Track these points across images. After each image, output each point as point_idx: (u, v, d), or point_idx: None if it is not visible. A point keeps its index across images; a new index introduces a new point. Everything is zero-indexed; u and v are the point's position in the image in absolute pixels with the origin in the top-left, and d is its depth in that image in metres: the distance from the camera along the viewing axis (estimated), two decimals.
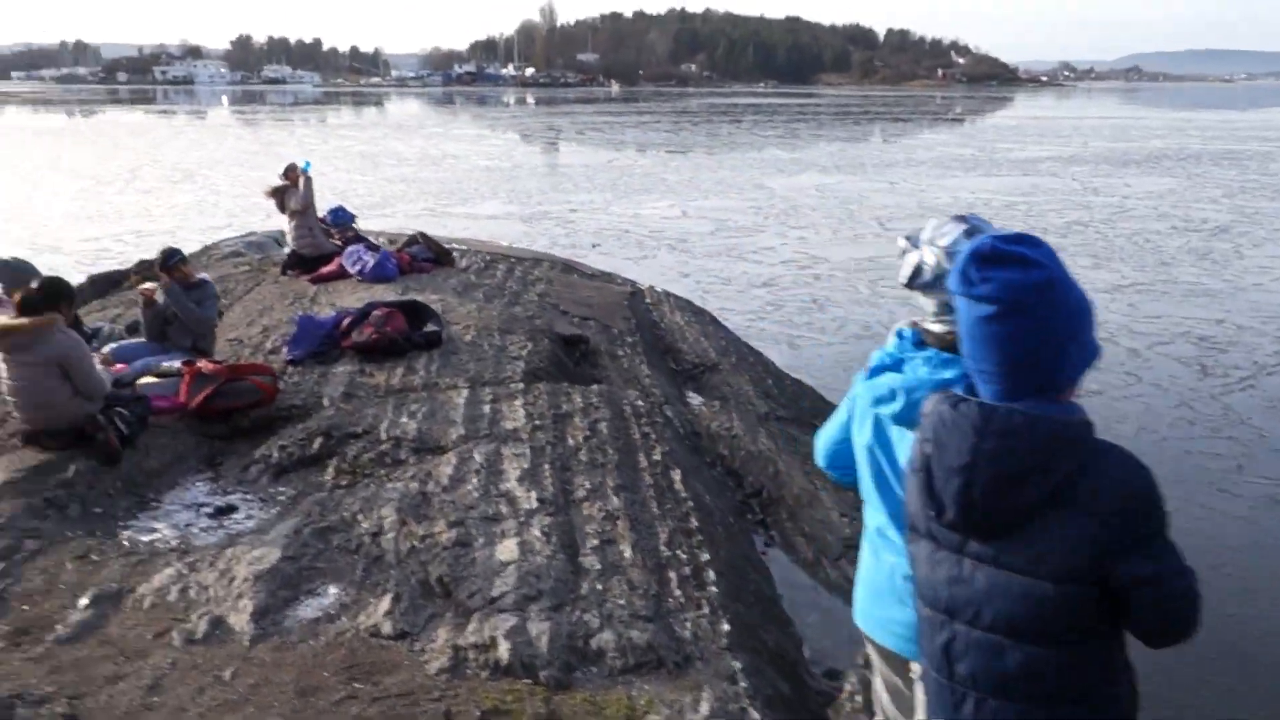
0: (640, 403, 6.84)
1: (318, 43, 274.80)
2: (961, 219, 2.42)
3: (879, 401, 2.45)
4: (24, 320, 5.52)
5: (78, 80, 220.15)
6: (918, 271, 2.42)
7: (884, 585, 2.54)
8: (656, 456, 5.89)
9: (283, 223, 12.14)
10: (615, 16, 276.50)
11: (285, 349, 7.40)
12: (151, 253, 19.21)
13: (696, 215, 24.68)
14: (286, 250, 13.51)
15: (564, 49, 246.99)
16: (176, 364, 6.75)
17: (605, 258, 18.44)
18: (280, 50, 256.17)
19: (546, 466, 5.53)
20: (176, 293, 7.03)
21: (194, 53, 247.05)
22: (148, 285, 7.07)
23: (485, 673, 3.83)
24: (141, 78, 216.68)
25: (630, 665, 3.91)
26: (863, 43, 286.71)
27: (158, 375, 6.64)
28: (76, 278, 16.96)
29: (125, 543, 4.98)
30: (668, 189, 29.74)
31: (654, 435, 6.23)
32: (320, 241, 10.49)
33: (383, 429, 6.00)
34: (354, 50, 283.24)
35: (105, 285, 13.86)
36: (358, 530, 4.90)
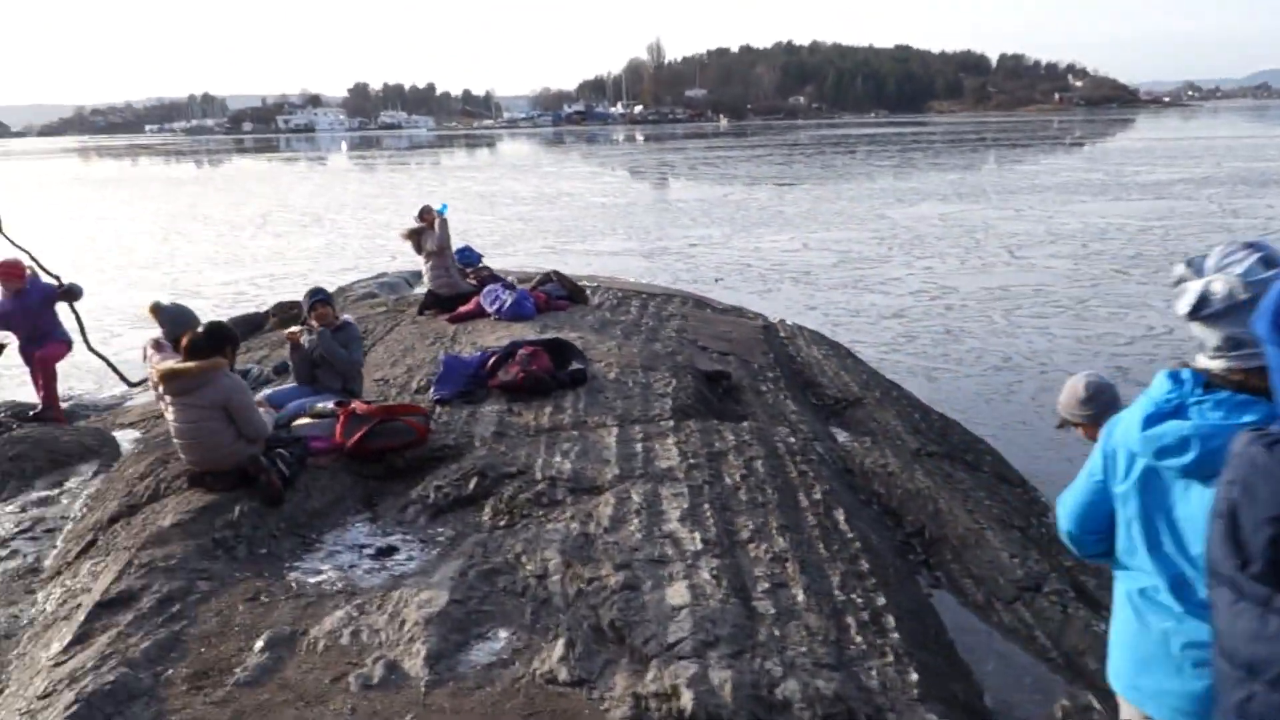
0: (792, 439, 6.67)
1: (431, 87, 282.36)
2: (1251, 245, 2.20)
3: (1164, 453, 2.23)
4: (191, 364, 5.62)
5: (205, 131, 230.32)
6: (1203, 301, 2.21)
7: (1155, 653, 2.32)
8: (817, 495, 5.70)
9: (415, 263, 12.36)
10: (722, 52, 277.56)
11: (432, 389, 7.42)
12: (286, 295, 19.89)
13: (818, 247, 24.41)
14: (422, 290, 13.77)
15: (671, 86, 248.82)
16: (329, 405, 6.81)
17: (729, 292, 18.31)
18: (395, 96, 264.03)
19: (706, 506, 5.39)
20: (326, 337, 7.13)
21: (314, 101, 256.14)
22: (293, 329, 7.17)
23: None
24: (265, 127, 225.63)
25: (819, 716, 3.72)
26: (975, 69, 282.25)
27: (312, 417, 6.71)
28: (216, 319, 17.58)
29: (293, 584, 4.99)
30: (786, 222, 29.54)
31: (811, 473, 6.05)
32: (456, 281, 10.60)
33: (537, 468, 5.94)
34: (466, 94, 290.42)
35: (246, 328, 14.25)
36: (523, 572, 4.82)
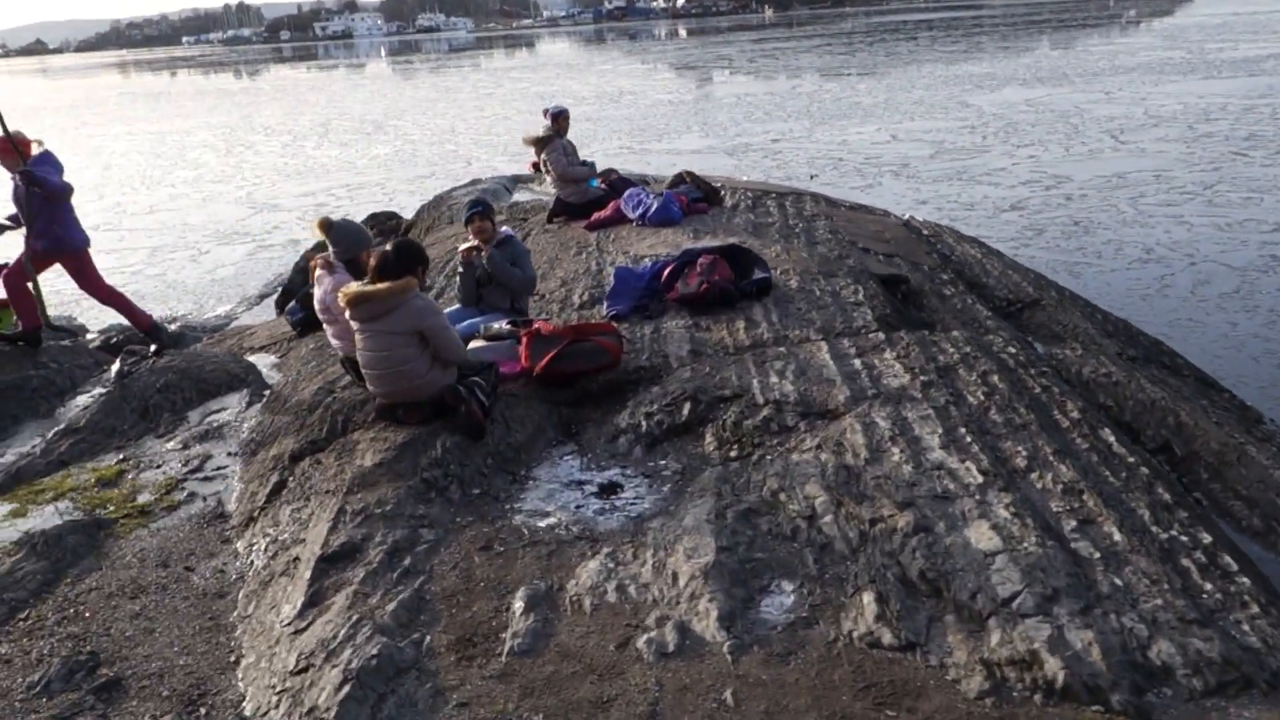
0: (1012, 350, 6.03)
1: None
2: None
3: None
4: (382, 285, 5.06)
5: (243, 41, 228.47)
6: None
7: None
8: (1074, 414, 5.08)
9: (492, 169, 11.67)
10: None
11: (605, 304, 6.83)
12: (367, 204, 19.32)
13: (908, 138, 23.36)
14: (526, 197, 13.13)
15: None
16: (503, 325, 6.27)
17: (829, 188, 17.48)
18: None
19: (963, 430, 4.79)
20: (496, 257, 6.55)
21: (350, 6, 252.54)
22: (469, 245, 6.58)
23: (1038, 696, 3.16)
24: (302, 35, 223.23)
25: (1212, 686, 3.17)
26: None
27: (487, 339, 6.17)
28: (305, 234, 17.02)
29: (523, 529, 4.49)
30: (866, 113, 28.38)
31: (1055, 389, 5.42)
32: (586, 188, 9.93)
33: (756, 391, 5.36)
34: None
35: None
36: (787, 512, 4.28)
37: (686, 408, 5.36)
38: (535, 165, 17.46)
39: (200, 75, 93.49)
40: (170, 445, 6.13)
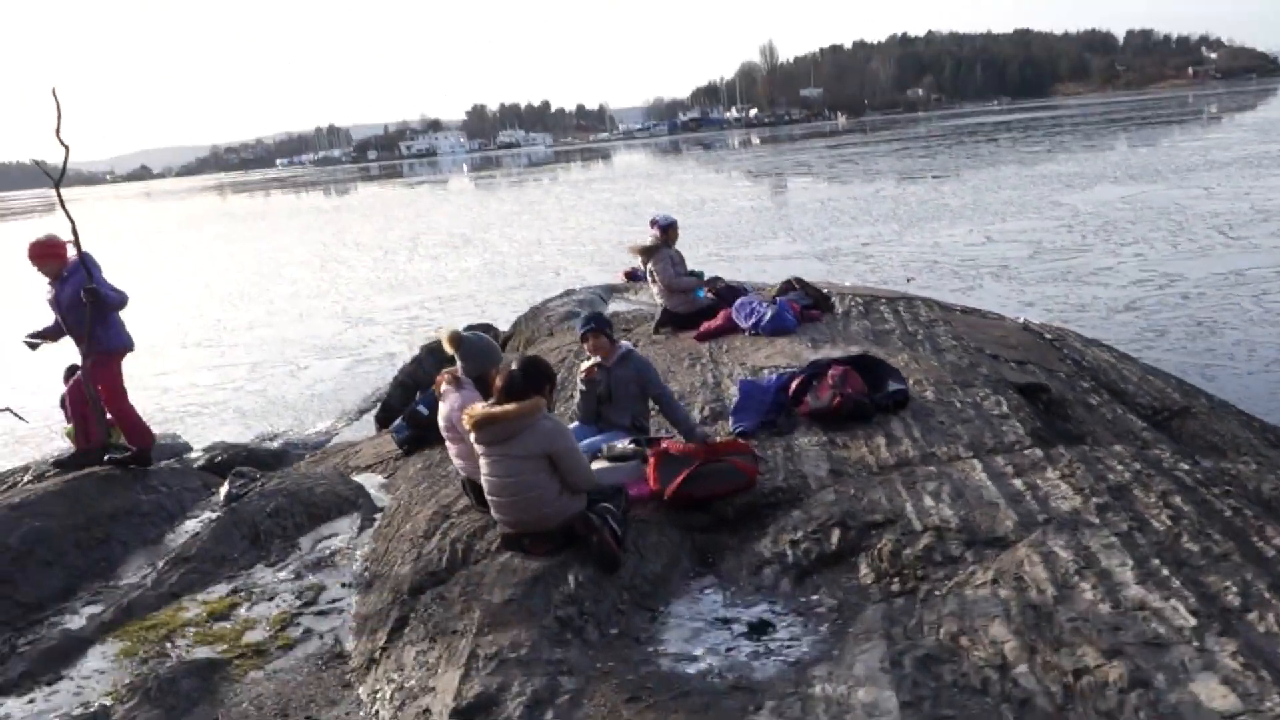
0: (1186, 466, 5.50)
1: (546, 104, 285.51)
2: None
3: None
4: (509, 406, 4.76)
5: (333, 162, 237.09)
6: None
7: None
8: (1278, 541, 4.53)
9: (578, 278, 11.42)
10: (835, 49, 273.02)
11: (731, 420, 6.46)
12: (459, 317, 19.35)
13: (1002, 239, 22.91)
14: (625, 308, 12.92)
15: (786, 87, 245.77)
16: (627, 444, 5.92)
17: (928, 291, 17.05)
18: (512, 115, 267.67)
19: (1156, 561, 4.27)
20: (620, 375, 6.25)
21: (434, 126, 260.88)
22: (592, 363, 6.28)
23: None
24: (389, 154, 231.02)
25: None
26: (1101, 48, 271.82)
27: (609, 460, 5.82)
28: (400, 347, 17.04)
29: (670, 676, 4.06)
30: (955, 215, 28.03)
31: (1248, 511, 4.88)
32: (694, 297, 9.66)
33: (911, 515, 4.91)
34: (580, 108, 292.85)
35: (443, 355, 13.58)
36: (972, 660, 3.80)
37: (835, 535, 4.93)
38: (628, 274, 17.40)
39: (294, 195, 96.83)
40: (282, 575, 5.85)
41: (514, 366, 4.97)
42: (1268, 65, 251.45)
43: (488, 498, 4.99)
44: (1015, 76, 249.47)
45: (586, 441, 6.13)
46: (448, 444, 5.78)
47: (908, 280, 18.85)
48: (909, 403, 6.39)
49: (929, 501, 5.04)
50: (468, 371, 5.56)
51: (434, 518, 5.89)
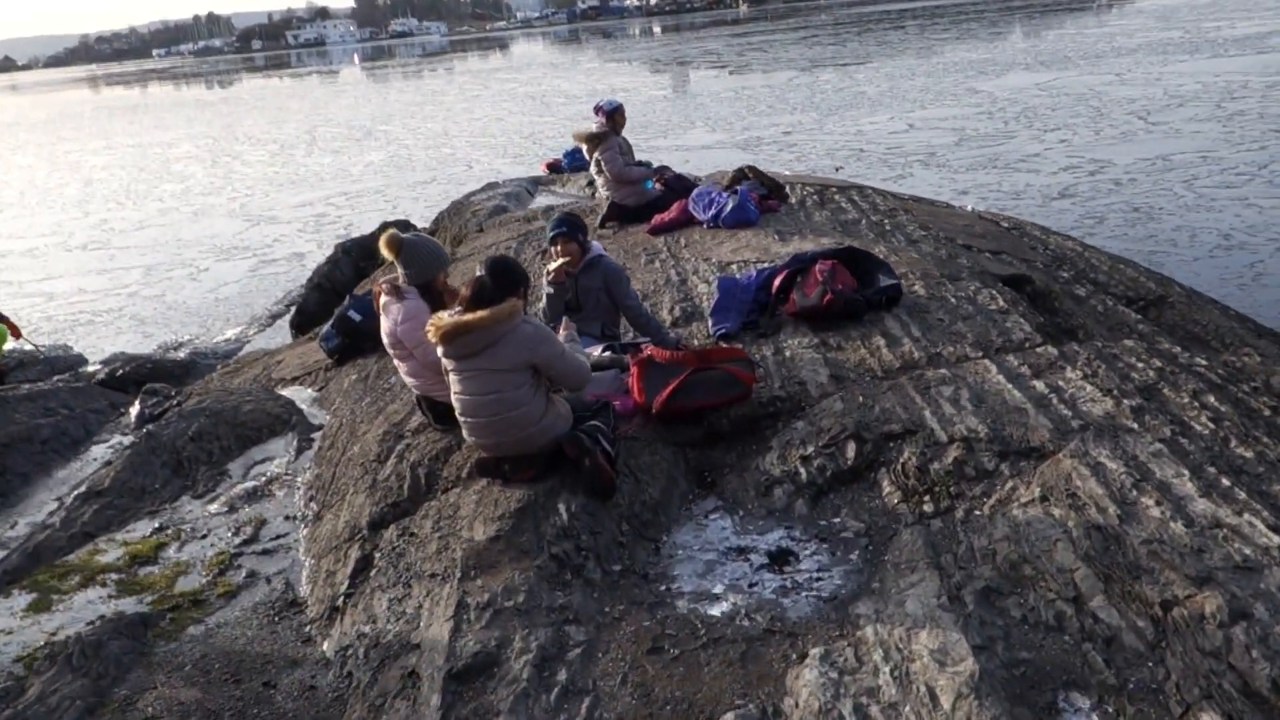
0: (1204, 362, 5.11)
1: None
2: None
3: None
4: (483, 313, 4.10)
5: (214, 52, 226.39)
6: None
7: None
8: None
9: (494, 171, 10.66)
10: None
11: (710, 321, 5.88)
12: (371, 213, 18.33)
13: (926, 126, 22.50)
14: (553, 201, 12.17)
15: None
16: (600, 352, 5.32)
17: (858, 180, 16.60)
18: (404, 3, 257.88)
19: (1212, 470, 3.86)
20: (596, 277, 5.63)
21: (322, 14, 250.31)
22: (559, 264, 5.58)
23: None
24: (275, 43, 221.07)
25: None
26: None
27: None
28: (309, 246, 16.03)
29: (694, 619, 3.55)
30: (873, 102, 27.51)
31: None
32: (643, 189, 8.98)
33: (933, 425, 4.42)
34: None
35: (360, 255, 12.76)
36: (1040, 592, 3.35)
37: (851, 449, 4.42)
38: (550, 166, 16.54)
39: (174, 87, 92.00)
40: (214, 508, 5.16)
41: (482, 270, 4.29)
42: None
43: (460, 419, 4.35)
44: None
45: None
46: (395, 360, 5.11)
47: (836, 169, 18.34)
48: (901, 298, 5.88)
49: (948, 408, 4.55)
50: (411, 279, 4.87)
51: (385, 438, 5.24)
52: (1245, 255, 11.12)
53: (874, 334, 5.50)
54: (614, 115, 8.97)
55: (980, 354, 5.14)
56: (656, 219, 8.44)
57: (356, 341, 7.46)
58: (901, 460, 4.29)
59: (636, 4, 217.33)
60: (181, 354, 10.68)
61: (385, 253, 4.91)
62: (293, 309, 12.05)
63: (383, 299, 4.99)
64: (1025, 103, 24.76)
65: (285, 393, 7.18)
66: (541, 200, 12.88)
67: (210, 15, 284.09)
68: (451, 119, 34.33)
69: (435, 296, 4.96)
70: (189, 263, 15.89)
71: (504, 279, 4.26)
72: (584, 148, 9.13)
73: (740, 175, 9.21)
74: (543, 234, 9.45)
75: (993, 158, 18.22)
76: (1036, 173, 16.58)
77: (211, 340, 11.44)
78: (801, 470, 4.38)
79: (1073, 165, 16.83)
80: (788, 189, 9.46)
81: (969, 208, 11.13)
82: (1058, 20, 59.62)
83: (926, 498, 4.08)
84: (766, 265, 6.27)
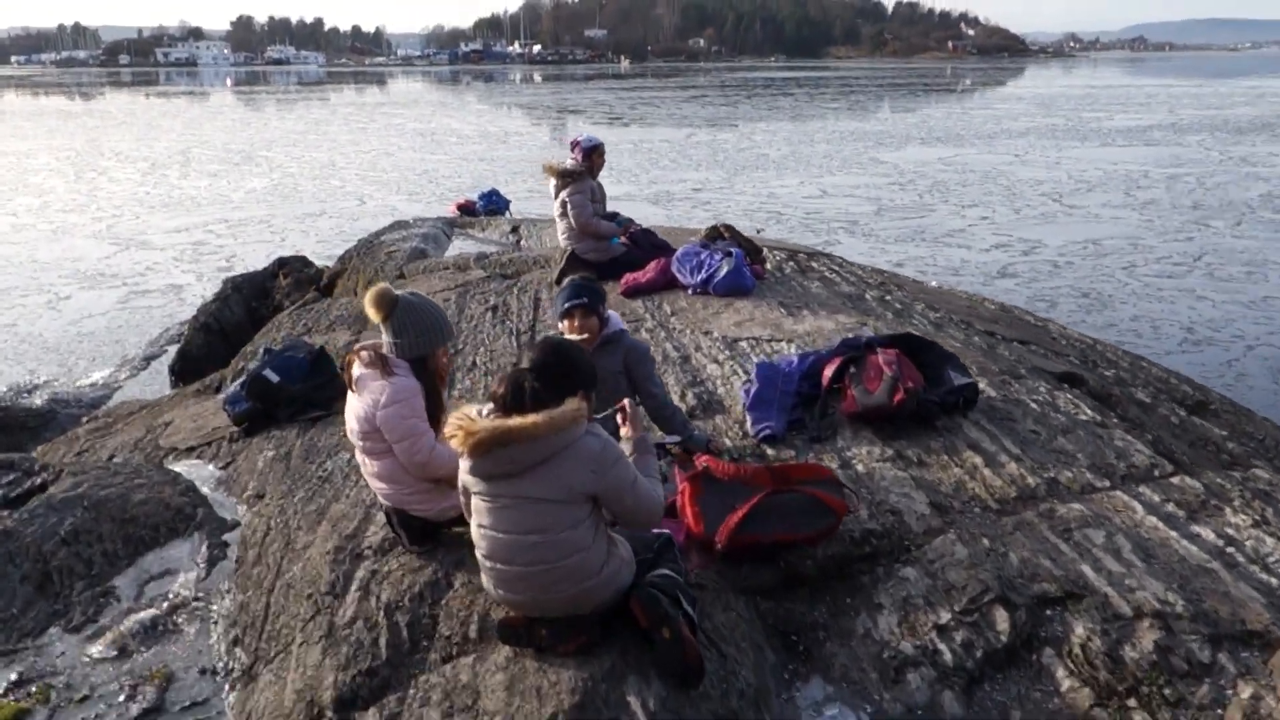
0: None
1: (319, 22, 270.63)
2: None
3: None
4: (537, 418, 2.86)
5: (78, 64, 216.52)
6: None
7: None
8: None
9: (392, 210, 9.43)
10: None
11: (749, 418, 4.72)
12: (253, 242, 16.66)
13: (839, 193, 22.04)
14: (466, 248, 10.92)
15: (570, 25, 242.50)
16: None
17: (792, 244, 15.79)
18: (282, 31, 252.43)
19: None
20: (625, 357, 4.47)
21: (195, 34, 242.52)
22: (575, 339, 4.34)
23: None
24: (143, 60, 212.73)
25: None
26: (872, 16, 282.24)
27: None
28: (187, 278, 14.31)
29: None
30: (778, 165, 27.09)
31: None
32: (609, 244, 7.83)
33: (1103, 589, 3.36)
34: (356, 30, 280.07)
35: (252, 293, 11.25)
36: None
37: (1001, 617, 3.31)
38: (461, 207, 15.24)
39: (34, 96, 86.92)
40: (97, 649, 3.75)
41: (533, 355, 3.05)
42: (1018, 46, 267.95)
43: (485, 563, 3.08)
44: (793, 35, 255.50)
45: None
46: (360, 454, 3.82)
47: (758, 231, 17.53)
48: (978, 401, 4.84)
49: (1112, 564, 3.50)
50: (402, 350, 3.62)
51: (338, 558, 3.91)
52: (1218, 352, 10.59)
53: (959, 446, 4.43)
54: (592, 154, 7.86)
55: (1107, 483, 4.12)
56: (629, 279, 7.29)
57: (272, 408, 6.09)
58: (1075, 639, 3.20)
59: (519, 51, 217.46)
60: (37, 400, 9.00)
61: (371, 311, 3.64)
62: (172, 350, 10.45)
63: (357, 370, 3.71)
64: (933, 176, 24.61)
65: (180, 468, 5.74)
66: (461, 245, 11.61)
67: (76, 25, 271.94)
68: (338, 150, 32.56)
69: (431, 377, 3.72)
70: (46, 288, 13.97)
71: (560, 378, 3.01)
72: (551, 182, 7.94)
73: (715, 234, 8.14)
74: (483, 288, 8.22)
75: (918, 230, 17.68)
76: (968, 248, 16.05)
77: (74, 383, 9.75)
78: (941, 646, 3.25)
79: (1003, 244, 16.38)
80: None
81: (934, 285, 10.34)
82: (940, 100, 61.31)
83: (1131, 700, 2.99)
84: (810, 351, 5.16)
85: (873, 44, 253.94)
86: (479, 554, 3.09)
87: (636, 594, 3.02)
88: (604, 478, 2.95)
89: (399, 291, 3.71)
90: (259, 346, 7.32)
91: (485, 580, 3.13)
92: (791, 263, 8.42)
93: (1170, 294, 13.02)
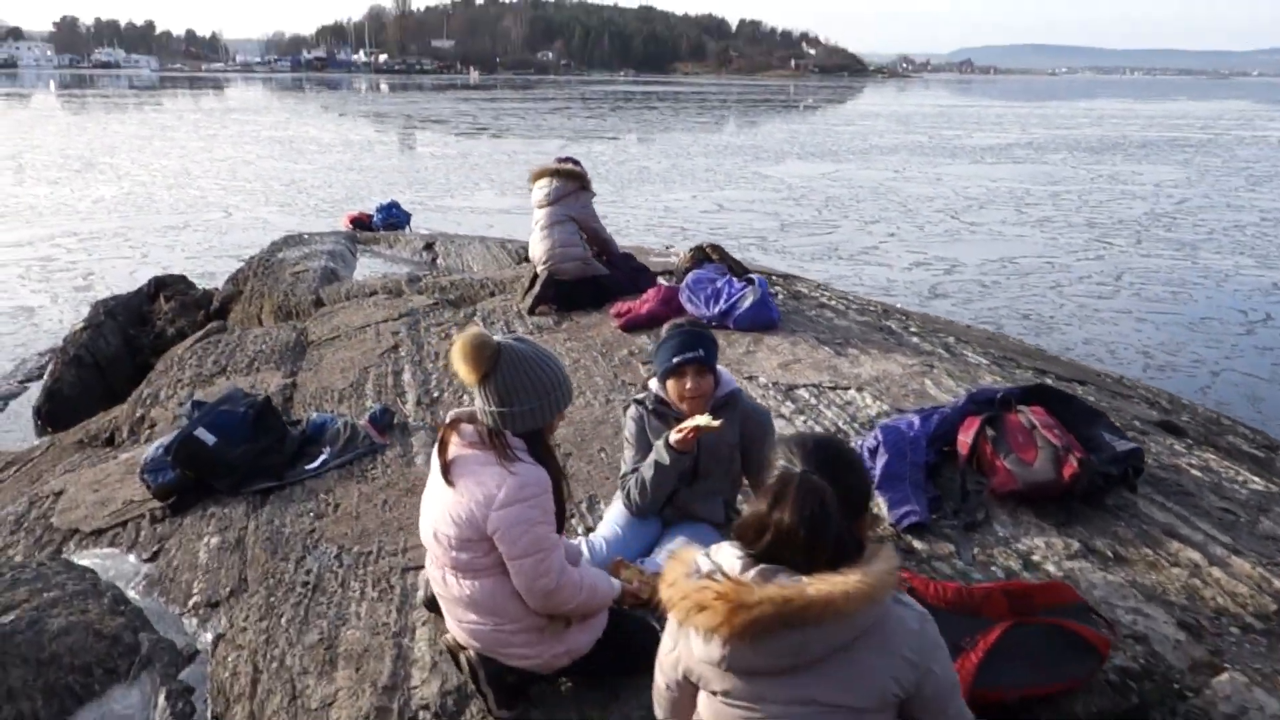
0: None
1: (150, 25, 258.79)
2: None
3: None
4: (835, 582, 1.79)
5: None
6: None
7: None
8: None
9: (267, 217, 8.23)
10: (468, 3, 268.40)
11: (882, 500, 3.71)
12: (111, 258, 14.84)
13: (735, 208, 21.40)
14: (387, 270, 9.67)
15: (417, 35, 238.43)
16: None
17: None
18: (110, 33, 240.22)
19: None
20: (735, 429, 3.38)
21: (14, 34, 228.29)
22: (705, 422, 3.18)
23: None
24: None
25: None
26: (716, 33, 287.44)
27: None
28: (40, 299, 12.50)
29: None
30: (663, 179, 26.32)
31: None
32: (593, 262, 6.75)
33: None
34: (190, 34, 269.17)
35: (129, 319, 9.73)
36: None
37: None
38: (354, 220, 13.83)
39: None
40: None
41: (795, 468, 1.97)
42: (857, 65, 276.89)
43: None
44: (640, 51, 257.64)
45: (652, 561, 3.23)
46: (436, 569, 2.70)
47: (667, 248, 16.62)
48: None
49: None
50: (515, 423, 2.53)
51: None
52: (1184, 379, 10.14)
53: (1153, 533, 3.53)
54: (579, 166, 6.80)
55: None
56: (623, 307, 6.21)
57: (208, 477, 4.80)
58: None
59: (365, 60, 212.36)
60: None
61: (464, 368, 2.53)
62: (34, 388, 8.85)
63: (455, 450, 2.58)
64: (823, 191, 24.25)
65: (87, 561, 4.39)
66: (370, 264, 10.30)
67: None
68: (189, 157, 30.24)
69: (553, 459, 2.64)
70: None
71: (851, 505, 1.95)
72: (546, 185, 6.81)
73: (703, 256, 7.15)
74: (435, 317, 7.01)
75: (830, 247, 17.08)
76: (889, 267, 15.49)
77: None
78: None
79: (921, 262, 15.88)
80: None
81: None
82: (800, 116, 61.99)
83: None
84: (931, 408, 4.17)
85: (718, 61, 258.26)
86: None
87: None
88: (929, 670, 1.89)
89: (499, 337, 2.58)
90: (185, 400, 5.94)
91: None
92: (777, 288, 7.48)
93: (1109, 315, 12.64)
